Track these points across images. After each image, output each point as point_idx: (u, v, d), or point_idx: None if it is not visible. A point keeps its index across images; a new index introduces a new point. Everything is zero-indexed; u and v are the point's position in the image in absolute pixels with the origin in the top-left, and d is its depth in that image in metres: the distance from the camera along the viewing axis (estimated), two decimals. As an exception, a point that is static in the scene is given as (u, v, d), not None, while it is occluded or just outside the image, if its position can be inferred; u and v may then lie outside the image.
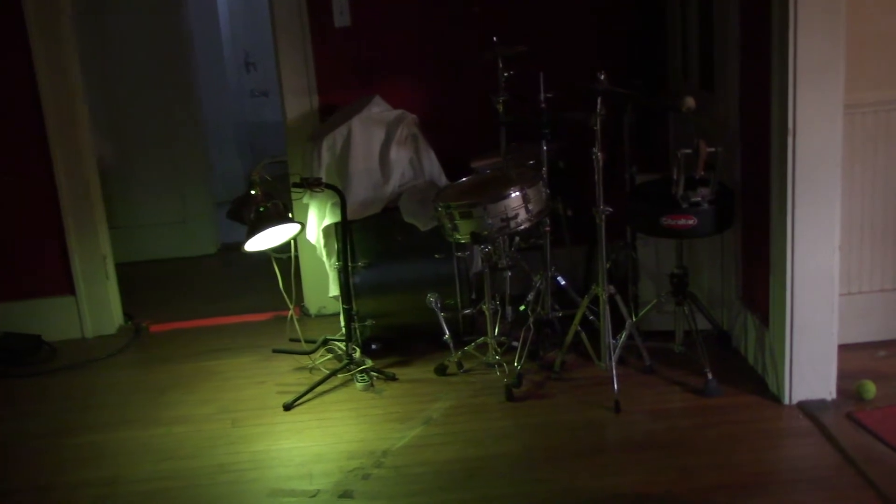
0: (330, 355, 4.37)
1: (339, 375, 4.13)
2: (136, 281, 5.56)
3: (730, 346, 4.17)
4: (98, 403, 4.15)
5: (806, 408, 3.58)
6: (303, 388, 4.02)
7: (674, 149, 4.44)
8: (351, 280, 4.18)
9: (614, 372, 3.74)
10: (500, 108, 4.18)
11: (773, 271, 3.65)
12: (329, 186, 4.00)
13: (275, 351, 4.45)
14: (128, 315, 5.09)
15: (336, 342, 4.40)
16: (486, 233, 3.73)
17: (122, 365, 4.58)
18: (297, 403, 3.95)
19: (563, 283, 4.30)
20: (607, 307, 3.80)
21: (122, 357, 4.67)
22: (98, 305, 4.92)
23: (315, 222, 4.41)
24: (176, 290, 5.65)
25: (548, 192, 3.92)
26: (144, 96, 6.04)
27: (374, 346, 4.38)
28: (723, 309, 4.27)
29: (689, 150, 3.63)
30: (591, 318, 4.09)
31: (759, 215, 3.75)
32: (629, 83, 4.35)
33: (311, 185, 3.95)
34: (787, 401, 3.63)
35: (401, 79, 4.80)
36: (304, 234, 4.39)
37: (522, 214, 3.74)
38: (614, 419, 3.66)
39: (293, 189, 4.04)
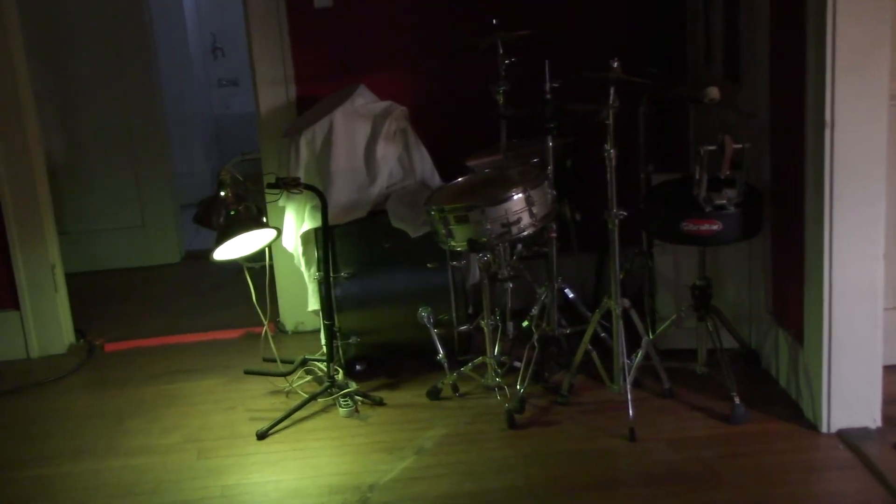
0: (309, 377, 4.35)
1: (320, 400, 4.11)
2: (88, 294, 5.54)
3: (759, 366, 4.17)
4: (45, 432, 4.12)
5: (847, 437, 3.57)
6: (278, 415, 4.00)
7: (695, 145, 4.43)
8: (332, 293, 4.16)
9: (629, 396, 3.73)
10: (501, 99, 4.18)
11: (809, 283, 3.64)
12: (308, 187, 3.99)
13: (247, 372, 4.43)
14: (79, 332, 5.06)
15: (316, 362, 4.38)
16: (484, 239, 3.72)
17: (73, 388, 4.55)
18: (271, 431, 3.93)
19: (571, 295, 4.29)
20: (621, 323, 3.79)
21: (73, 379, 4.63)
22: (45, 321, 4.89)
23: (292, 227, 4.40)
24: (134, 304, 5.62)
25: (554, 193, 3.91)
26: (98, 85, 6.02)
27: (358, 367, 4.37)
28: (751, 325, 4.26)
29: (712, 147, 3.63)
30: (603, 335, 4.09)
31: (792, 219, 3.74)
32: (645, 72, 4.35)
33: (288, 185, 3.93)
34: (825, 429, 3.62)
35: (389, 66, 4.79)
36: (280, 241, 4.37)
37: (525, 219, 3.73)
38: (629, 449, 3.64)
39: (268, 190, 4.02)
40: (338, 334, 4.21)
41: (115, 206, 6.17)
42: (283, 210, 4.42)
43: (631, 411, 3.69)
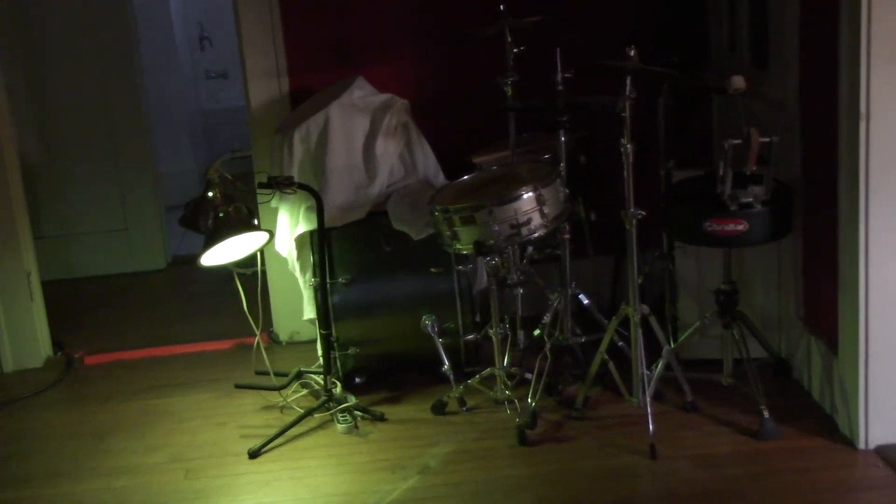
0: (305, 391, 4.35)
1: (316, 415, 4.11)
2: (67, 303, 5.55)
3: (790, 377, 4.16)
4: (20, 452, 4.11)
5: (886, 453, 3.56)
6: (272, 432, 3.99)
7: (719, 139, 4.42)
8: (329, 300, 4.15)
9: (649, 409, 3.72)
10: (509, 91, 4.18)
11: (843, 286, 3.63)
12: (303, 187, 3.98)
13: (237, 386, 4.43)
14: (57, 344, 5.06)
15: (312, 375, 4.38)
16: (492, 242, 3.72)
17: (51, 405, 4.54)
18: (264, 450, 3.92)
19: (585, 301, 4.27)
20: (640, 331, 3.78)
21: (51, 395, 4.63)
22: (20, 333, 4.89)
23: (286, 230, 4.40)
24: (116, 314, 5.63)
25: (566, 192, 3.91)
26: (76, 78, 6.03)
27: (357, 380, 4.36)
28: (780, 333, 4.26)
29: (737, 141, 3.62)
30: (621, 344, 4.08)
31: (825, 218, 3.73)
32: (665, 60, 4.35)
33: (281, 185, 3.92)
34: (862, 445, 3.61)
35: (389, 56, 4.79)
36: (273, 245, 4.37)
37: (536, 220, 3.73)
38: (650, 467, 3.63)
39: (259, 190, 4.01)
40: (335, 345, 4.20)
41: (95, 208, 6.17)
42: (275, 211, 4.42)
43: (651, 426, 3.68)
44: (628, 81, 3.59)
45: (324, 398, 4.13)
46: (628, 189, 3.69)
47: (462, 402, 4.14)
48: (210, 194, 3.87)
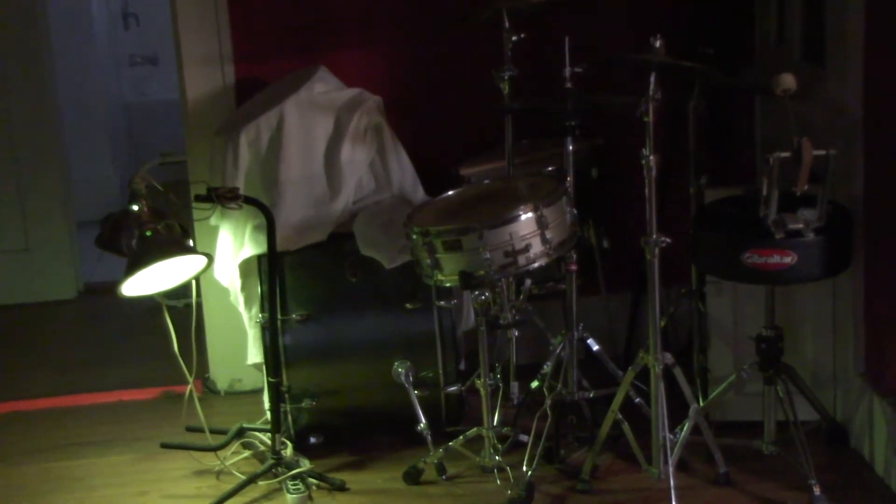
0: (247, 453, 4.36)
1: (261, 483, 4.11)
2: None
3: (847, 445, 4.18)
4: None
5: (961, 540, 3.59)
6: (207, 502, 4.00)
7: (763, 151, 4.46)
8: (280, 341, 4.17)
9: (672, 482, 3.74)
10: (506, 88, 4.21)
11: (912, 334, 3.67)
12: (250, 201, 4.00)
13: (164, 446, 4.43)
14: (-60, 391, 5.06)
15: (257, 433, 4.39)
16: (482, 272, 3.73)
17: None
18: (196, 526, 3.93)
19: (595, 348, 4.29)
20: (662, 385, 3.80)
21: (-69, 454, 4.63)
22: None
23: (229, 254, 4.42)
24: (14, 354, 5.64)
25: (574, 213, 3.93)
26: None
27: (313, 440, 4.37)
28: (836, 390, 4.28)
29: (785, 154, 3.64)
30: (638, 400, 4.10)
31: (892, 250, 3.76)
32: (698, 53, 4.39)
33: (224, 198, 3.94)
34: (934, 528, 3.65)
35: (359, 42, 4.82)
36: (212, 272, 4.38)
37: (536, 246, 3.75)
38: (673, 553, 3.65)
39: (196, 204, 4.03)
40: (286, 396, 4.21)
41: (-11, 223, 6.19)
42: (216, 231, 4.44)
43: (674, 502, 3.70)
44: (653, 79, 3.61)
45: (271, 461, 4.13)
46: (650, 210, 3.71)
47: (441, 469, 4.14)
48: (134, 208, 3.87)
